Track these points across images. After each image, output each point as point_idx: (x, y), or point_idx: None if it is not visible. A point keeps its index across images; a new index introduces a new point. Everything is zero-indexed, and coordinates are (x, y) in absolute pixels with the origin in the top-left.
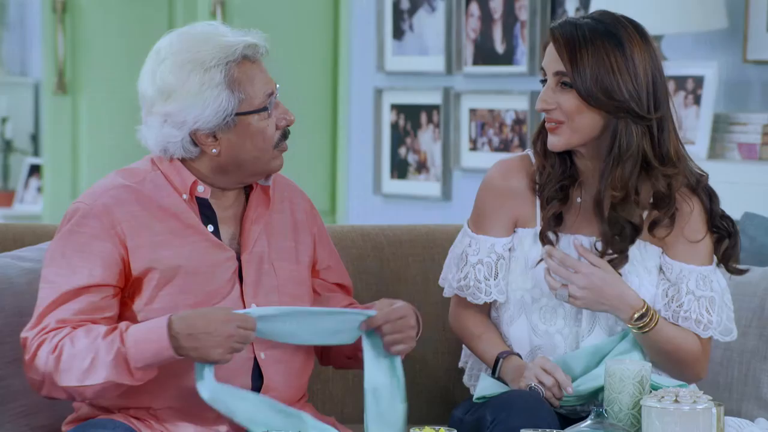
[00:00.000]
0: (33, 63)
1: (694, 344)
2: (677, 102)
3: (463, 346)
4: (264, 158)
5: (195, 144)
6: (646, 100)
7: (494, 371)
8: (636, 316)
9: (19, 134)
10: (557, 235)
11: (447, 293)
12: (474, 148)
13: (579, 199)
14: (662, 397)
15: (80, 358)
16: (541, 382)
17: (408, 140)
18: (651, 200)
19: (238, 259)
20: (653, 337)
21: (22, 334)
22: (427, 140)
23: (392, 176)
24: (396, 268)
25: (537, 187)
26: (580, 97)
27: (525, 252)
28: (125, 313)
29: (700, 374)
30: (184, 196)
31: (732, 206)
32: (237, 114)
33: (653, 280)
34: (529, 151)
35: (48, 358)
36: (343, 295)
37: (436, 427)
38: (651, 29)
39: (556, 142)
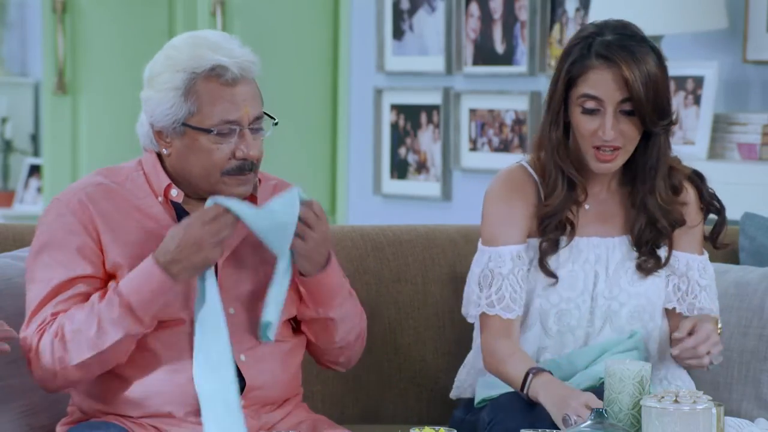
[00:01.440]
0: (33, 63)
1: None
2: (677, 102)
3: (457, 376)
4: (211, 180)
5: (155, 139)
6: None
7: (523, 387)
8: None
9: (19, 134)
10: (557, 252)
11: (473, 315)
12: (474, 149)
13: (587, 206)
14: (662, 397)
15: (85, 328)
16: (579, 416)
17: (408, 140)
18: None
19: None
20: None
21: (21, 335)
22: (427, 140)
23: (392, 176)
24: (396, 268)
25: (544, 208)
26: (641, 121)
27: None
28: None
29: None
30: (159, 199)
31: (732, 206)
32: (184, 124)
33: (662, 279)
34: (524, 162)
35: (53, 345)
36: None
37: (436, 428)
38: (651, 29)
39: (610, 168)
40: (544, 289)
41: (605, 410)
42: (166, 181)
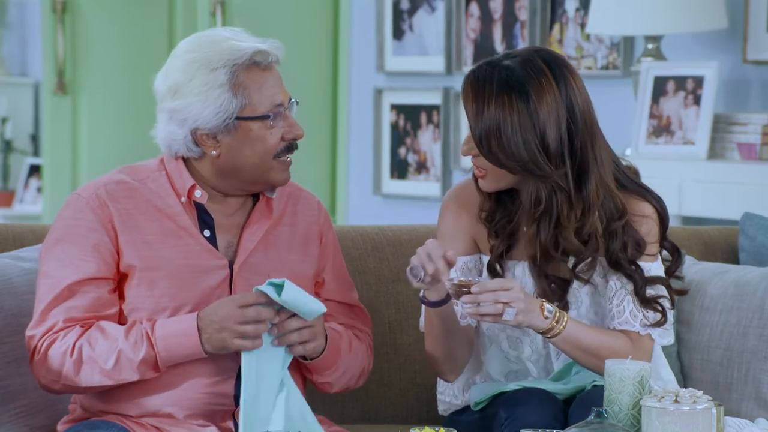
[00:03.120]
0: (33, 63)
1: (621, 346)
2: (677, 102)
3: (438, 390)
4: (263, 167)
5: (197, 144)
6: (554, 156)
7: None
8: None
9: (19, 134)
10: (503, 266)
11: (421, 326)
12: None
13: (525, 228)
14: (662, 397)
15: (103, 359)
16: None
17: (408, 140)
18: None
19: (232, 268)
20: (566, 339)
21: (28, 333)
22: (427, 140)
23: (392, 176)
24: (396, 268)
25: (484, 216)
26: (480, 153)
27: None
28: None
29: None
30: (183, 199)
31: (731, 206)
32: (237, 118)
33: (586, 290)
34: None
35: (65, 360)
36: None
37: (436, 428)
38: (651, 29)
39: (485, 186)
40: None
41: (605, 410)
42: (191, 181)
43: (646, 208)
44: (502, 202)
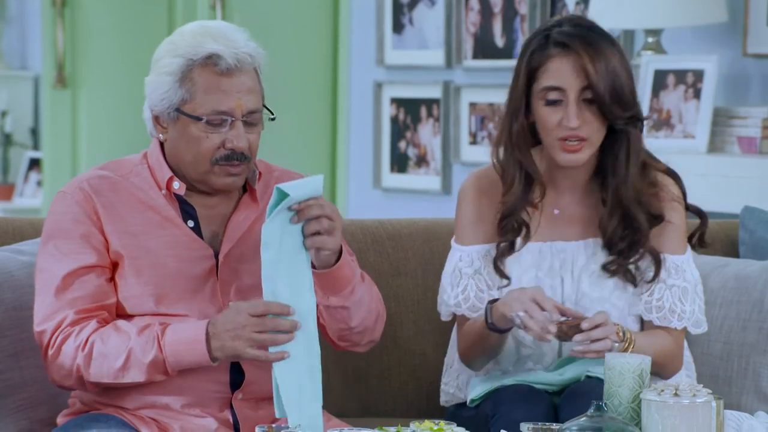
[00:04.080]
0: (32, 57)
1: (668, 345)
2: (678, 96)
3: (442, 381)
4: (199, 168)
5: (154, 124)
6: (640, 103)
7: (486, 320)
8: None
9: (19, 128)
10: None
11: (445, 316)
12: (474, 142)
13: (557, 211)
14: (662, 390)
15: (113, 357)
16: (528, 314)
17: (408, 134)
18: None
19: (216, 257)
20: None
21: (37, 328)
22: (427, 134)
23: (392, 170)
24: (396, 261)
25: (502, 207)
26: (600, 110)
27: (506, 266)
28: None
29: (677, 369)
30: (163, 191)
31: (731, 200)
32: (177, 110)
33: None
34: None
35: (77, 354)
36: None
37: (436, 422)
38: (651, 23)
39: (577, 159)
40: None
41: (605, 404)
42: (168, 173)
43: (674, 189)
44: (526, 188)
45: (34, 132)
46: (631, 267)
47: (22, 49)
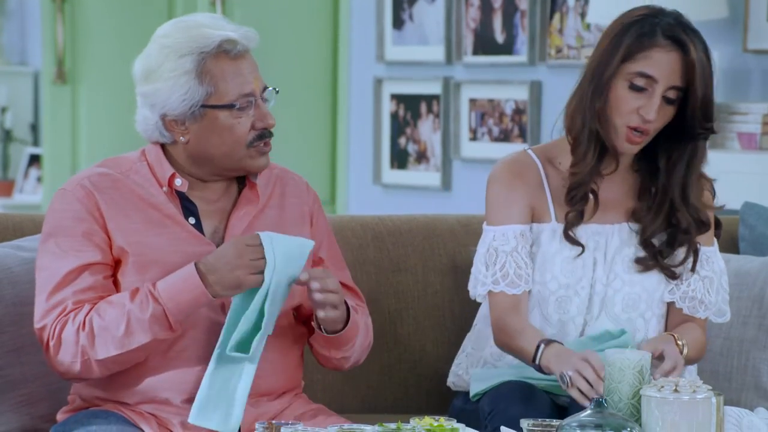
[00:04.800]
0: (32, 52)
1: (700, 337)
2: None
3: (454, 362)
4: (235, 156)
5: (167, 129)
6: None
7: (534, 358)
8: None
9: (19, 124)
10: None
11: (480, 294)
12: (474, 138)
13: (602, 193)
14: (662, 386)
15: (114, 327)
16: (579, 373)
17: (408, 130)
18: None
19: None
20: (687, 357)
21: (38, 325)
22: (427, 130)
23: (392, 166)
24: (396, 257)
25: (568, 184)
26: (682, 116)
27: (542, 247)
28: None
29: (702, 358)
30: (164, 188)
31: (731, 196)
32: (203, 106)
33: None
34: (528, 150)
35: (78, 336)
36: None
37: (436, 417)
38: None
39: (636, 150)
40: (543, 276)
41: (605, 400)
42: (170, 170)
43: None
44: (595, 164)
45: (34, 128)
46: (666, 262)
47: (22, 44)
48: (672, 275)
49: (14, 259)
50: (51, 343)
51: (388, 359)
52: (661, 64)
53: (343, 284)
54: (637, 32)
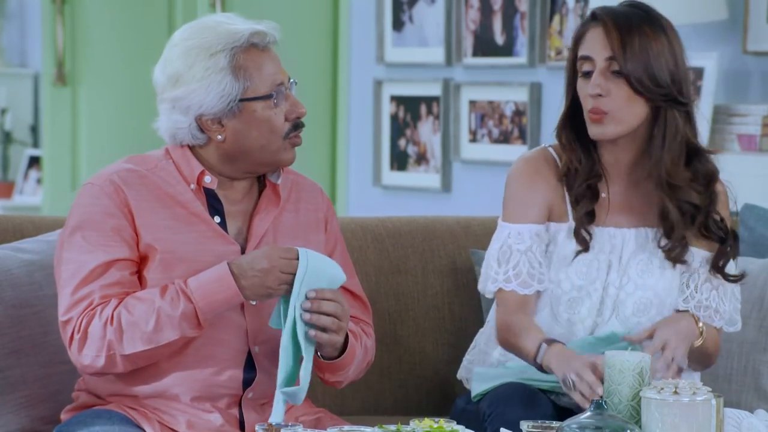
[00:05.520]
0: (32, 54)
1: (716, 335)
2: None
3: (464, 359)
4: (271, 148)
5: (202, 130)
6: (685, 87)
7: (536, 357)
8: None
9: (19, 125)
10: (590, 234)
11: (490, 290)
12: (474, 140)
13: (604, 195)
14: (662, 388)
15: (143, 322)
16: (580, 377)
17: (408, 132)
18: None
19: (243, 254)
20: (705, 345)
21: (63, 318)
22: (427, 132)
23: (392, 168)
24: (396, 259)
25: (565, 180)
26: (629, 84)
27: (558, 246)
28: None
29: (714, 363)
30: (192, 186)
31: (731, 197)
32: (241, 100)
33: (676, 275)
34: (548, 147)
35: (106, 331)
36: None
37: (436, 419)
38: None
39: (602, 132)
40: (557, 275)
41: (605, 402)
42: (199, 167)
43: (720, 184)
44: (588, 159)
45: (34, 129)
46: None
47: (22, 46)
48: (684, 250)
49: (14, 261)
50: (76, 337)
51: (388, 361)
52: (589, 43)
53: (353, 293)
54: (577, 27)
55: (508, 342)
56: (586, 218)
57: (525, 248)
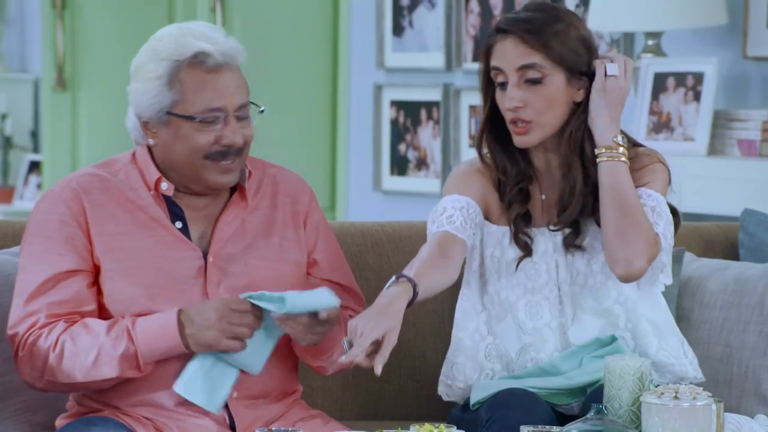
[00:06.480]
0: (33, 59)
1: (640, 206)
2: (677, 98)
3: (442, 372)
4: (194, 167)
5: (142, 130)
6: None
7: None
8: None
9: (19, 131)
10: (530, 237)
11: (429, 238)
12: (474, 145)
13: (543, 197)
14: (662, 393)
15: (83, 355)
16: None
17: (408, 137)
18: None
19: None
20: (611, 172)
21: (10, 331)
22: (427, 137)
23: (392, 173)
24: (396, 264)
25: (497, 187)
26: (566, 70)
27: (504, 251)
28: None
29: (641, 256)
30: (152, 192)
31: (731, 202)
32: (168, 112)
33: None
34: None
35: (48, 355)
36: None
37: (436, 424)
38: (651, 25)
39: (526, 141)
40: (508, 281)
41: (605, 407)
42: (156, 174)
43: (656, 158)
44: (515, 164)
45: (34, 135)
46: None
47: (22, 51)
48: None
49: (14, 266)
50: (20, 354)
51: (387, 365)
52: (498, 55)
53: (341, 285)
54: (485, 41)
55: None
56: (521, 222)
57: (460, 206)
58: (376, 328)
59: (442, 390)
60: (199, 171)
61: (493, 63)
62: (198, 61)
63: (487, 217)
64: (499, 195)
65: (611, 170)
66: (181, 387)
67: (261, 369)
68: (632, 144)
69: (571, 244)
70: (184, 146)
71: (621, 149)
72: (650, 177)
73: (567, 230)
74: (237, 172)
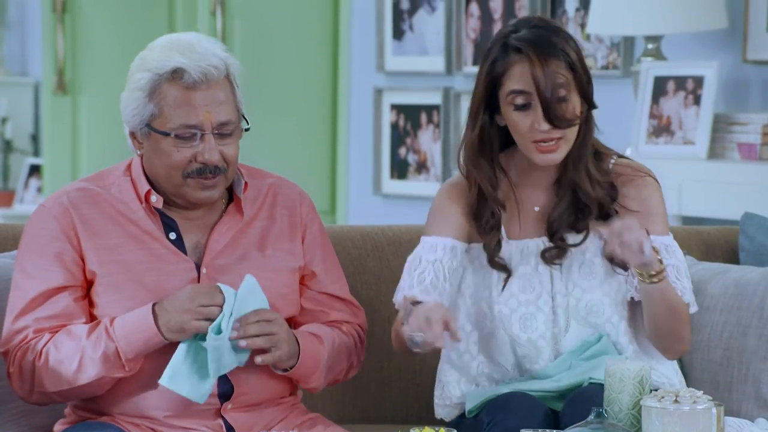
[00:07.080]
0: (33, 63)
1: (686, 312)
2: (677, 102)
3: (435, 394)
4: (173, 182)
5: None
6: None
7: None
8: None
9: (19, 134)
10: (505, 264)
11: (398, 300)
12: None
13: (537, 208)
14: (662, 397)
15: (68, 361)
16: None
17: (408, 140)
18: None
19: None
20: (663, 288)
21: (1, 348)
22: (427, 140)
23: (392, 176)
24: (396, 267)
25: (473, 212)
26: (585, 100)
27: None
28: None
29: (688, 341)
30: (143, 205)
31: (731, 206)
32: (147, 125)
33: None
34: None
35: (34, 367)
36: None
37: (436, 428)
38: (651, 29)
39: (556, 158)
40: (499, 294)
41: (605, 410)
42: (146, 187)
43: (647, 175)
44: (495, 190)
45: (35, 138)
46: (564, 245)
47: (23, 55)
48: (621, 264)
49: (13, 270)
50: (11, 370)
51: (388, 369)
52: (523, 78)
53: (337, 297)
54: (493, 57)
55: (395, 339)
56: (497, 248)
57: (434, 258)
58: (433, 312)
59: (439, 413)
60: (180, 188)
61: (515, 86)
62: (177, 76)
63: (471, 239)
64: (478, 211)
65: (664, 289)
66: (166, 380)
67: (245, 359)
68: (617, 156)
69: (552, 259)
70: (164, 162)
71: (664, 263)
72: (655, 211)
73: (553, 244)
74: (219, 188)
